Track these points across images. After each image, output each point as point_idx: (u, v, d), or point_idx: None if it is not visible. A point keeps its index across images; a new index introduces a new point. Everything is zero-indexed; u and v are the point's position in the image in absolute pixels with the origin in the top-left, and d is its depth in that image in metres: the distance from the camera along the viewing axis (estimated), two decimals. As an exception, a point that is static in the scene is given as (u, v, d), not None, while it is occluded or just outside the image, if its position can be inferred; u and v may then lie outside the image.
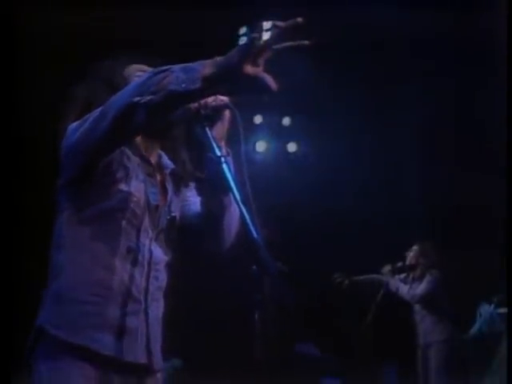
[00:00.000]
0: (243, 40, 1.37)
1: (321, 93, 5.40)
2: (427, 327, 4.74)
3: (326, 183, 5.77)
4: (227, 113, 1.58)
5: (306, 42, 1.34)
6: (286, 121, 6.28)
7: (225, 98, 1.55)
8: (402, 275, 5.00)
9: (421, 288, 4.82)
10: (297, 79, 5.07)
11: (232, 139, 1.56)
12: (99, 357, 1.48)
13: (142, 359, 1.55)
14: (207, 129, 1.55)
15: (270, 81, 1.34)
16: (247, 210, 1.40)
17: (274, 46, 1.33)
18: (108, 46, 3.20)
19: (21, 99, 2.94)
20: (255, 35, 1.30)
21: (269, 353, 1.33)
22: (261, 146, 6.31)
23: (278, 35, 1.31)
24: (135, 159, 1.62)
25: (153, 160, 1.67)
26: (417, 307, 4.85)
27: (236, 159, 1.54)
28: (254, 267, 1.34)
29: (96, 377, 1.48)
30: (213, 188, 1.61)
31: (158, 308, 1.62)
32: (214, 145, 1.53)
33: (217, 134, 1.57)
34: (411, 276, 4.96)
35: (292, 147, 6.37)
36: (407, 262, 4.94)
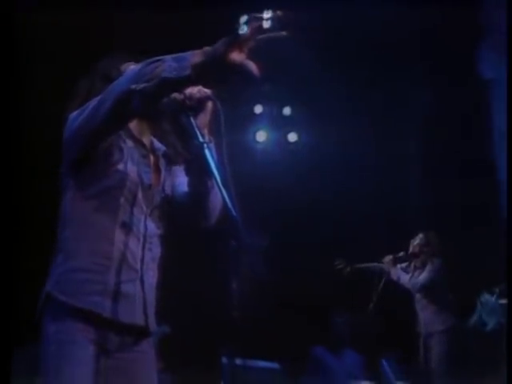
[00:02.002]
0: (244, 29, 1.47)
1: (322, 82, 5.44)
2: (428, 317, 4.73)
3: (327, 173, 5.78)
4: (210, 104, 1.72)
5: (284, 33, 1.45)
6: (287, 110, 6.27)
7: (208, 91, 1.69)
8: (404, 264, 5.01)
9: (422, 277, 4.80)
10: (298, 68, 5.35)
11: (232, 128, 1.69)
12: (100, 319, 1.65)
13: (140, 321, 1.72)
14: (191, 118, 1.69)
15: (253, 68, 1.48)
16: (227, 191, 1.54)
17: (256, 37, 1.46)
18: (107, 44, 3.40)
19: (23, 94, 3.06)
20: (240, 26, 1.44)
21: (245, 317, 1.50)
22: (261, 136, 6.30)
23: (260, 27, 1.44)
24: (130, 142, 1.78)
25: (146, 143, 1.83)
26: (418, 296, 4.83)
27: (218, 146, 1.68)
28: (233, 242, 1.50)
29: (97, 337, 1.65)
30: (198, 170, 1.76)
31: (152, 277, 1.78)
32: (198, 132, 1.67)
33: (200, 123, 1.70)
34: (413, 265, 4.96)
35: (293, 137, 6.35)
36: (410, 250, 4.93)
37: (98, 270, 1.68)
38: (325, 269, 5.05)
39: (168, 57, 1.53)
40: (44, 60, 4.33)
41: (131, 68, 1.66)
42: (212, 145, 1.70)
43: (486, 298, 4.72)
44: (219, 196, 1.62)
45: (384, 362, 4.50)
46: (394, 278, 4.93)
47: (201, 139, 1.67)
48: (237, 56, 1.48)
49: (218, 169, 1.61)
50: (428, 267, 4.81)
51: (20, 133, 2.33)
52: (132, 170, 1.75)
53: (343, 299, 5.13)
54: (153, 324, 1.77)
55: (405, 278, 4.89)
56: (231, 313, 1.53)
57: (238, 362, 3.51)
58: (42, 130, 2.23)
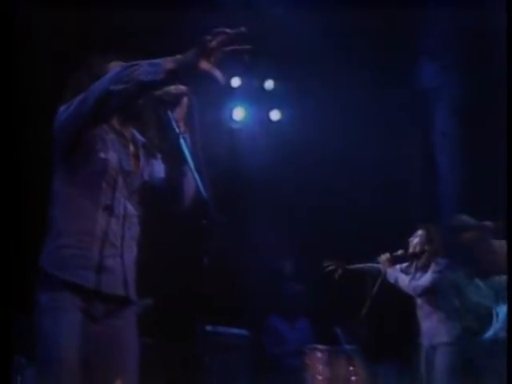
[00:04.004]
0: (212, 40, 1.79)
1: (311, 52, 5.30)
2: (432, 326, 4.35)
3: (315, 156, 5.58)
4: (185, 99, 2.01)
5: (248, 47, 1.77)
6: (269, 84, 5.91)
7: (183, 87, 1.99)
8: (404, 265, 4.62)
9: (425, 279, 4.41)
10: (283, 34, 5.14)
11: (204, 105, 2.07)
12: (85, 290, 1.93)
13: (120, 292, 2.00)
14: (169, 111, 1.99)
15: (219, 75, 1.81)
16: (199, 177, 1.87)
17: (223, 48, 1.78)
18: (96, 44, 3.72)
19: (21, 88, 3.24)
20: (208, 38, 1.77)
21: (215, 289, 1.89)
22: (239, 114, 5.92)
23: (227, 40, 1.76)
24: (112, 134, 2.06)
25: (127, 134, 2.11)
26: (420, 302, 4.45)
27: (192, 136, 1.97)
28: (203, 221, 1.80)
29: (83, 305, 1.93)
30: (173, 159, 2.05)
31: (131, 253, 2.05)
32: (174, 124, 1.98)
33: (177, 116, 2.00)
34: (414, 265, 4.56)
35: (275, 115, 6.05)
36: (410, 250, 4.55)
37: (83, 246, 1.95)
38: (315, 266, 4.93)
39: (144, 62, 1.83)
40: (43, 59, 4.58)
41: (111, 70, 1.94)
42: (187, 135, 1.97)
43: (503, 309, 4.21)
44: (192, 182, 1.91)
45: (337, 329, 4.67)
46: (391, 279, 4.54)
47: (177, 131, 1.96)
48: (205, 64, 1.78)
49: (191, 157, 1.90)
50: (432, 268, 4.39)
51: (20, 128, 2.66)
52: (113, 157, 2.02)
53: (334, 304, 5.13)
54: (133, 294, 2.04)
55: (404, 281, 4.50)
56: (203, 285, 1.88)
57: (210, 328, 4.19)
58: (42, 125, 2.40)
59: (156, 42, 4.22)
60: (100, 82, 1.88)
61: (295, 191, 5.77)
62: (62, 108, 1.99)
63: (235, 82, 5.74)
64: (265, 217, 5.70)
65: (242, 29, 1.74)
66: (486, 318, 4.30)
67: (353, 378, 4.37)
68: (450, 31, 5.38)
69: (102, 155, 1.99)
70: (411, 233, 4.61)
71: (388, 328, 4.95)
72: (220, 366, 4.47)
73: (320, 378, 4.37)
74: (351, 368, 4.40)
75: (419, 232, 4.55)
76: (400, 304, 4.65)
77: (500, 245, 3.93)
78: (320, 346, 4.53)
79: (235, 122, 5.94)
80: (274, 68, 5.67)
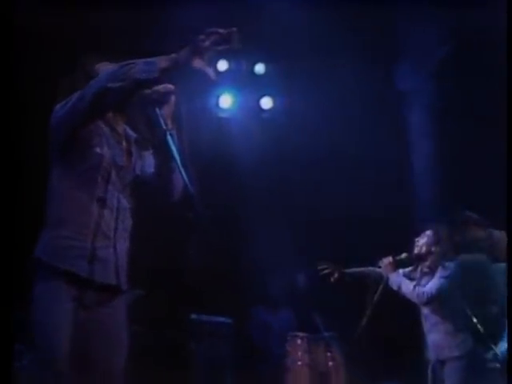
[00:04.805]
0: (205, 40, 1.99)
1: (305, 32, 5.10)
2: (440, 338, 4.08)
3: (309, 147, 5.46)
4: (173, 97, 2.20)
5: (239, 46, 1.95)
6: (260, 68, 5.64)
7: (171, 86, 2.17)
8: (408, 269, 4.33)
9: (431, 285, 4.12)
10: (275, 14, 5.02)
11: (189, 92, 2.40)
12: (79, 278, 2.09)
13: (112, 281, 2.17)
14: (157, 109, 2.17)
15: (211, 73, 2.02)
16: (186, 172, 2.05)
17: (215, 47, 1.97)
18: (90, 44, 4.06)
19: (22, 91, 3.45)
20: (201, 37, 1.95)
21: (202, 280, 2.94)
22: (226, 101, 5.63)
23: (219, 39, 1.96)
24: (107, 130, 2.25)
25: (120, 131, 2.30)
26: (426, 311, 4.16)
27: (179, 133, 2.16)
28: (190, 214, 1.98)
29: (76, 293, 2.08)
30: (162, 154, 2.22)
31: (124, 244, 2.23)
32: (162, 121, 2.16)
33: (164, 113, 2.18)
34: (419, 269, 4.27)
35: (266, 103, 5.81)
36: (415, 251, 4.27)
37: (77, 237, 2.11)
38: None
39: (140, 61, 2.02)
40: (43, 59, 4.72)
41: (109, 68, 2.14)
42: (174, 132, 2.16)
43: None
44: (180, 176, 2.10)
45: (316, 318, 5.04)
46: (394, 286, 4.24)
47: (164, 127, 2.14)
48: (198, 63, 1.98)
49: (178, 152, 2.08)
50: (439, 273, 4.10)
51: (19, 125, 2.78)
52: (107, 153, 2.19)
53: (330, 311, 5.10)
54: (124, 284, 2.20)
55: (408, 287, 4.20)
56: (189, 275, 2.70)
57: (195, 316, 4.85)
58: (41, 124, 2.40)
59: (149, 42, 4.39)
60: (97, 80, 2.08)
61: (286, 185, 5.67)
62: (59, 106, 2.16)
63: (222, 65, 5.51)
64: (254, 210, 5.71)
65: (234, 29, 1.94)
66: (501, 328, 4.11)
67: (330, 363, 4.66)
68: (435, 32, 5.56)
69: (98, 150, 2.16)
70: (416, 234, 4.30)
71: (390, 340, 4.88)
72: (205, 352, 4.89)
73: (300, 363, 4.66)
74: (329, 354, 4.69)
75: (427, 232, 4.28)
76: (404, 313, 4.44)
77: (502, 236, 3.97)
78: (300, 334, 4.81)
79: (222, 110, 5.75)
80: (266, 49, 5.46)
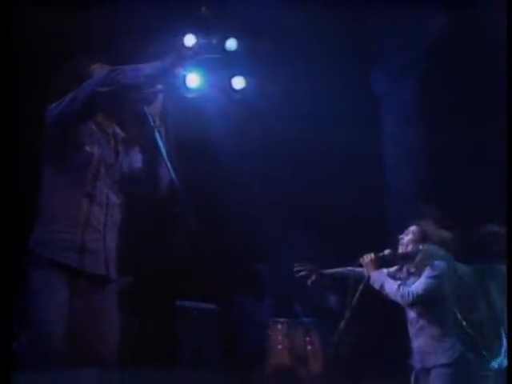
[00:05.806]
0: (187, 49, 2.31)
1: (283, 5, 5.03)
2: (426, 344, 3.92)
3: (285, 131, 5.37)
4: (160, 96, 2.44)
5: (219, 56, 2.30)
6: (231, 44, 5.27)
7: (159, 86, 2.40)
8: (393, 269, 4.14)
9: (417, 285, 3.95)
10: None
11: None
12: (70, 269, 2.33)
13: (101, 271, 2.40)
14: (145, 107, 2.39)
15: (194, 80, 2.99)
16: (172, 167, 2.24)
17: (197, 56, 2.25)
18: (81, 47, 4.24)
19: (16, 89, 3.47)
20: (185, 46, 2.28)
21: (187, 265, 3.13)
22: (193, 80, 5.12)
23: (201, 48, 2.26)
24: (96, 130, 2.47)
25: (109, 130, 2.53)
26: (412, 314, 4.00)
27: (166, 130, 2.36)
28: (178, 208, 2.15)
29: (69, 283, 2.32)
30: (149, 151, 2.42)
31: (113, 237, 2.45)
32: (150, 119, 2.37)
33: (152, 111, 2.40)
34: (405, 269, 4.08)
35: (239, 83, 5.51)
36: (400, 250, 4.09)
37: (68, 231, 2.33)
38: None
39: (126, 67, 2.28)
40: (42, 59, 4.76)
41: (98, 73, 2.39)
42: (162, 129, 2.36)
43: None
44: (166, 171, 2.31)
45: (296, 305, 5.44)
46: (376, 285, 4.06)
47: (152, 125, 2.34)
48: (180, 70, 2.28)
49: (165, 148, 2.28)
50: (426, 272, 3.92)
51: (14, 125, 2.87)
52: (97, 151, 2.41)
53: (311, 312, 5.30)
54: (113, 274, 2.43)
55: (391, 286, 4.01)
56: (176, 264, 2.84)
57: (181, 303, 5.21)
58: (36, 122, 2.53)
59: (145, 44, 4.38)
60: (88, 84, 2.30)
61: (262, 171, 5.60)
62: (53, 105, 2.36)
63: (189, 40, 4.75)
64: (236, 198, 5.86)
65: (214, 39, 2.24)
66: (496, 336, 4.01)
67: (309, 347, 4.98)
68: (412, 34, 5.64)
69: (88, 149, 2.38)
70: (400, 231, 4.16)
71: (371, 346, 4.89)
72: (191, 337, 5.25)
73: (280, 347, 4.99)
74: (308, 338, 5.01)
75: (412, 228, 4.09)
76: (386, 316, 4.41)
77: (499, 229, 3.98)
78: (280, 319, 5.17)
79: (189, 89, 5.19)
80: (238, 23, 5.16)
